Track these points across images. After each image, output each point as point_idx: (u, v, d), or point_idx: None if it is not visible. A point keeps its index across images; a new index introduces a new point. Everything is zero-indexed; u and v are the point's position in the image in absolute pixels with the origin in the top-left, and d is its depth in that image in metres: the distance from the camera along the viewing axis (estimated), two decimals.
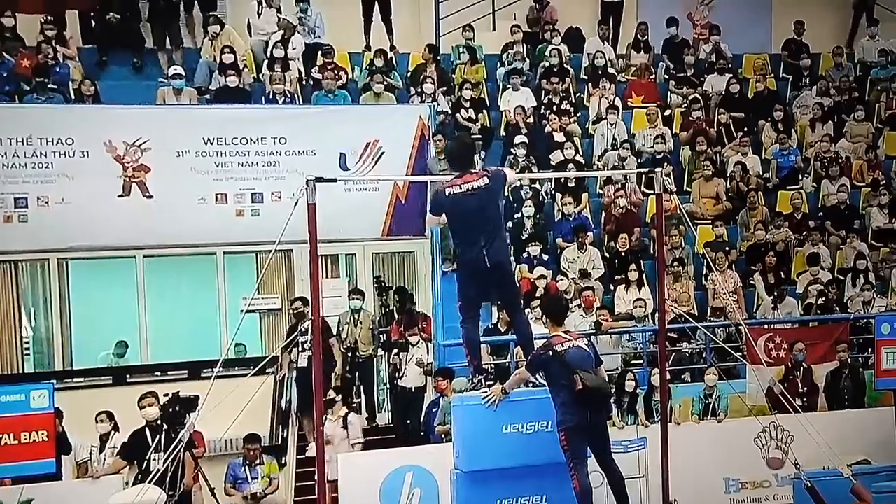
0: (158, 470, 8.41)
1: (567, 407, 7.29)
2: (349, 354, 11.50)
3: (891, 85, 15.27)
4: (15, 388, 9.17)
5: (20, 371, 11.71)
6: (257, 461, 10.23)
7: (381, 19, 14.53)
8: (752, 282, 12.79)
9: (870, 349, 11.34)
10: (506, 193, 7.76)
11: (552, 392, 7.42)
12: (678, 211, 11.23)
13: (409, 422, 11.14)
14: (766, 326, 11.74)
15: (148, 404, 9.43)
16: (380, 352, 11.84)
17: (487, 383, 7.46)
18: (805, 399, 10.72)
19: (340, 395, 10.54)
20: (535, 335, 7.71)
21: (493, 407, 7.36)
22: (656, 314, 10.09)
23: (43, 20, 12.89)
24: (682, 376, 11.40)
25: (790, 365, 11.09)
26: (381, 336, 11.81)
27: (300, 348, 10.83)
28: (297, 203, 7.30)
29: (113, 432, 9.73)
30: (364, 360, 11.68)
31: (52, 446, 8.93)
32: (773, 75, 15.75)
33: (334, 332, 11.34)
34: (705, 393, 10.70)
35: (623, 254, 12.52)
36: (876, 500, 8.39)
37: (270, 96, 12.95)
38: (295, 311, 11.07)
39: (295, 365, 11.18)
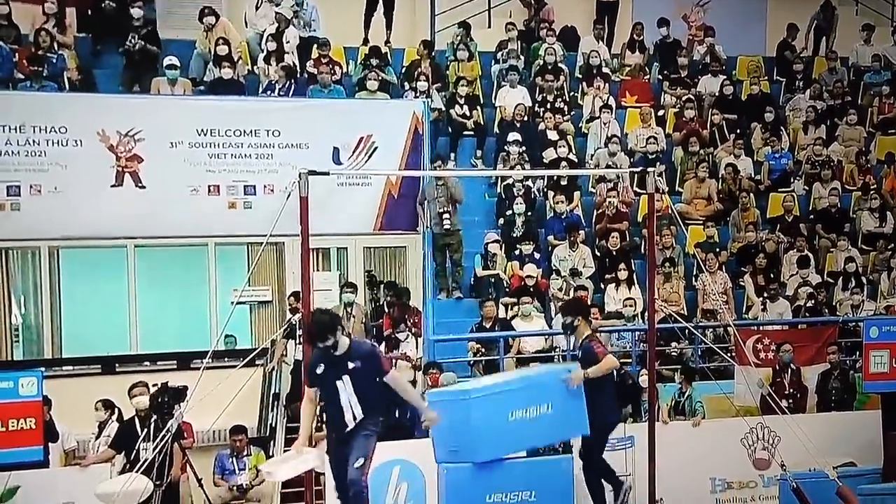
0: (146, 460, 8.42)
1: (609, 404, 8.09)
2: None
3: (883, 90, 15.33)
4: (3, 374, 9.14)
5: (9, 358, 11.68)
6: (244, 452, 10.24)
7: (383, 14, 14.50)
8: (741, 283, 12.84)
9: (858, 352, 11.38)
10: None
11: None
12: (670, 211, 11.25)
13: (396, 416, 11.14)
14: (755, 328, 11.78)
15: (138, 393, 9.44)
16: None
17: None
18: (793, 401, 10.77)
19: None
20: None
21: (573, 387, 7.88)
22: (646, 313, 10.11)
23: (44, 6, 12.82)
24: (671, 374, 11.42)
25: (778, 367, 11.14)
26: (374, 329, 11.81)
27: (297, 341, 10.82)
28: (289, 196, 7.31)
29: (110, 421, 9.73)
30: None
31: (39, 434, 8.91)
32: (766, 78, 15.78)
33: None
34: (679, 392, 10.70)
35: (614, 253, 12.55)
36: (861, 503, 8.46)
37: (265, 88, 12.94)
38: (290, 307, 11.05)
39: (286, 357, 11.17)
